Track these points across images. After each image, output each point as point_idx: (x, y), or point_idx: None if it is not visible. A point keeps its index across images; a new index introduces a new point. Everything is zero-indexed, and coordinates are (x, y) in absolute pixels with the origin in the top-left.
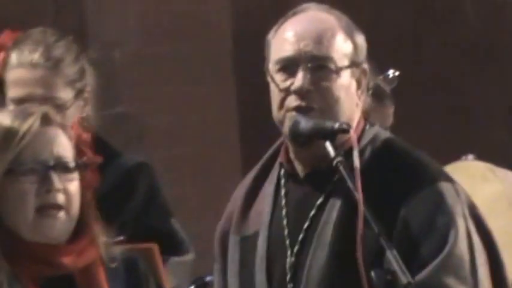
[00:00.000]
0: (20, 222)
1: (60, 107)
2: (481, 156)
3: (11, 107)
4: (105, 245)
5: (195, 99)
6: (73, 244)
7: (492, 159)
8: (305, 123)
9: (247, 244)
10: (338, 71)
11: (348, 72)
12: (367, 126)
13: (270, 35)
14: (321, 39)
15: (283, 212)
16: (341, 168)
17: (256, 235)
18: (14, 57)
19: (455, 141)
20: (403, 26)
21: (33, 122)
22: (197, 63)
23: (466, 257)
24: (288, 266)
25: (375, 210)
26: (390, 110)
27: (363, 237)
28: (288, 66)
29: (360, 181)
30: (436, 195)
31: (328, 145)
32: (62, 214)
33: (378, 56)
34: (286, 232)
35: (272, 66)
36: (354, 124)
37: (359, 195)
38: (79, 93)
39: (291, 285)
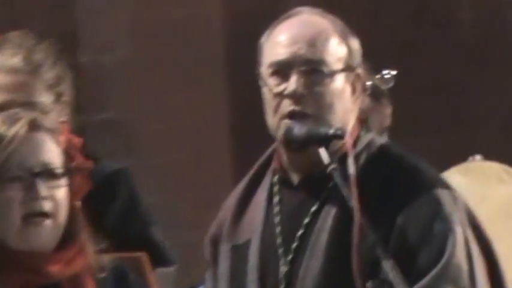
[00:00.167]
0: (6, 231)
1: (41, 112)
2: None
3: None
4: (94, 253)
5: (186, 105)
6: (61, 252)
7: None
8: (299, 129)
9: (239, 253)
10: (332, 74)
11: (342, 76)
12: (362, 132)
13: (263, 39)
14: (315, 42)
15: (276, 219)
16: (336, 175)
17: (248, 243)
18: None
19: (453, 146)
20: (400, 30)
21: (20, 128)
22: (188, 68)
23: (464, 266)
24: (281, 275)
25: (371, 218)
26: (388, 109)
27: (358, 247)
28: (281, 70)
29: (355, 188)
30: (433, 202)
31: (323, 151)
32: (48, 222)
33: (375, 60)
34: (279, 240)
35: (265, 70)
36: (349, 129)
37: (354, 203)
38: (58, 97)
39: None
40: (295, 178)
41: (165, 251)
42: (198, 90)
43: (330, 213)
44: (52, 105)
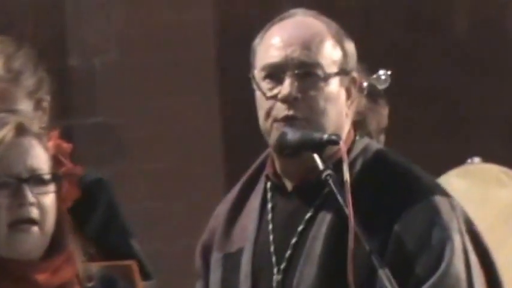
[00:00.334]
0: None
1: None
2: None
3: None
4: (82, 262)
5: (177, 110)
6: (48, 261)
7: None
8: (292, 135)
9: (231, 261)
10: (326, 78)
11: (337, 80)
12: (358, 137)
13: (256, 41)
14: (309, 45)
15: (270, 227)
16: (330, 182)
17: (240, 252)
18: None
19: (449, 152)
20: (394, 36)
21: (6, 133)
22: (179, 73)
23: (462, 275)
24: (274, 284)
25: (367, 226)
26: (385, 110)
27: (353, 255)
28: (275, 73)
29: (350, 195)
30: (430, 209)
31: (317, 157)
32: (35, 229)
33: (369, 66)
34: (272, 248)
35: (258, 73)
36: (344, 135)
37: (350, 211)
38: (38, 104)
39: None
40: (288, 184)
41: (145, 265)
42: (189, 95)
43: (324, 221)
44: (32, 112)
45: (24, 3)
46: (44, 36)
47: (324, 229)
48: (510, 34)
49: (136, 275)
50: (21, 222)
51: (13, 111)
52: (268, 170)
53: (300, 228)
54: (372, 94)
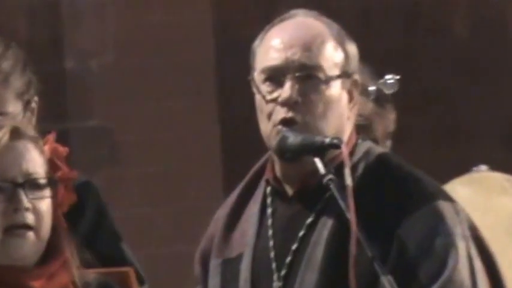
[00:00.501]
0: None
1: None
2: None
3: None
4: (78, 268)
5: (174, 114)
6: (43, 267)
7: None
8: (293, 138)
9: (230, 267)
10: (327, 81)
11: (338, 83)
12: (360, 140)
13: (256, 43)
14: (310, 46)
15: (270, 232)
16: (332, 186)
17: (239, 258)
18: None
19: (446, 158)
20: (392, 39)
21: (2, 136)
22: (176, 76)
23: (466, 282)
24: None
25: (369, 231)
26: (392, 115)
27: (355, 261)
28: (275, 76)
29: (352, 200)
30: (434, 214)
31: (318, 161)
32: (30, 234)
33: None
34: (272, 254)
35: (258, 76)
36: (345, 138)
37: (352, 216)
38: (27, 105)
39: None
40: (289, 189)
41: (137, 269)
42: (185, 98)
43: (326, 226)
44: (22, 114)
45: (20, 6)
46: (40, 38)
47: (325, 234)
48: (510, 34)
49: (133, 282)
50: (16, 228)
51: (2, 114)
52: (268, 175)
53: (301, 233)
54: (379, 99)
